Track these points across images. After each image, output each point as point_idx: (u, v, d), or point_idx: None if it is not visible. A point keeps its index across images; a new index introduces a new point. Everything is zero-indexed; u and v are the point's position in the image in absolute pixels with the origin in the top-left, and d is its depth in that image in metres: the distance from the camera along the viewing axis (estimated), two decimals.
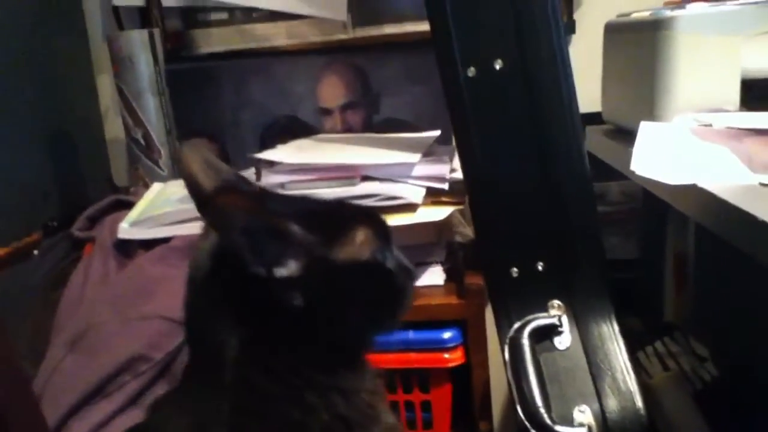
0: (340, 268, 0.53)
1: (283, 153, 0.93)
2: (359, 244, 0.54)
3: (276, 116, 1.49)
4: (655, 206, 1.07)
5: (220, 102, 1.49)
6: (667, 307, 1.07)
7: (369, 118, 1.43)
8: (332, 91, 1.45)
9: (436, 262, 0.93)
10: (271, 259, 0.50)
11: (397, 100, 1.43)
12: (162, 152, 1.29)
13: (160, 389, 0.87)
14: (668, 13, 0.86)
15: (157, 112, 1.29)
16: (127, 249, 0.98)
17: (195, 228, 0.96)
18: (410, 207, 0.86)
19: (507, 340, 0.82)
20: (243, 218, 0.48)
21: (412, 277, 0.60)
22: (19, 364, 0.78)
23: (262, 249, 0.49)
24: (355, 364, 0.58)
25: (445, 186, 0.88)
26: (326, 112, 1.45)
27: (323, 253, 0.52)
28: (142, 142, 1.28)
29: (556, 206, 0.82)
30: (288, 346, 0.53)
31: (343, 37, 1.40)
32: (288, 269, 0.50)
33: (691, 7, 0.87)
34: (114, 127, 1.52)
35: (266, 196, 0.62)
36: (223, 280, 0.53)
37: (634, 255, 1.16)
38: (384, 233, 0.57)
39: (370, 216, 0.57)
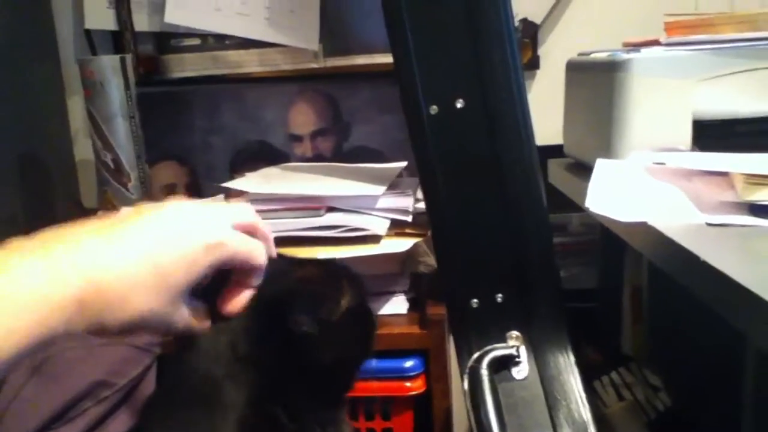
0: (341, 317, 0.61)
1: (251, 182, 0.94)
2: (348, 295, 0.62)
3: (246, 141, 1.50)
4: (613, 239, 1.10)
5: (191, 126, 1.50)
6: (624, 337, 1.10)
7: (339, 146, 1.45)
8: (303, 119, 1.47)
9: (400, 292, 0.95)
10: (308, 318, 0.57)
11: (367, 128, 1.46)
12: (131, 176, 1.30)
13: (122, 415, 0.87)
14: (624, 55, 0.89)
15: (127, 137, 1.30)
16: None
17: None
18: (374, 238, 0.88)
19: (467, 370, 0.84)
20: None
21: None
22: None
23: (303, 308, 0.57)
24: (343, 397, 0.65)
25: (409, 218, 0.90)
26: (297, 138, 1.47)
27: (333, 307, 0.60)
28: (112, 165, 1.29)
29: (514, 239, 0.85)
30: (299, 385, 0.58)
31: (314, 66, 1.43)
32: (312, 327, 0.57)
33: (647, 51, 0.90)
34: (83, 150, 1.52)
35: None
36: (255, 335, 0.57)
37: (593, 285, 1.19)
38: (361, 281, 0.66)
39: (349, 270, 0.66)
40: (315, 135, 1.45)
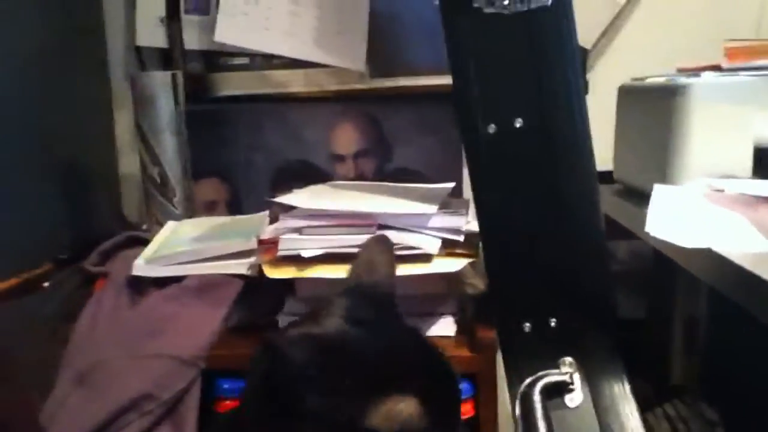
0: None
1: (299, 198, 0.94)
2: (396, 414, 0.51)
3: (289, 160, 1.51)
4: (665, 267, 1.08)
5: (235, 144, 1.51)
6: (674, 369, 1.07)
7: (381, 167, 1.45)
8: (346, 138, 1.47)
9: (448, 314, 0.94)
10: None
11: (409, 149, 1.46)
12: (177, 191, 1.30)
13: (165, 429, 0.86)
14: (684, 80, 0.88)
15: (175, 152, 1.31)
16: (140, 286, 0.98)
17: (208, 268, 0.98)
18: (425, 257, 0.87)
19: (518, 395, 0.82)
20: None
21: None
22: (28, 394, 0.78)
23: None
24: None
25: (461, 238, 0.89)
26: (339, 158, 1.47)
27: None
28: (158, 180, 1.30)
29: (571, 262, 0.83)
30: None
31: (359, 86, 1.43)
32: None
33: (707, 76, 0.89)
34: (128, 164, 1.53)
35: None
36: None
37: (641, 315, 1.17)
38: (439, 409, 0.53)
39: (428, 387, 0.54)
40: (358, 155, 1.46)
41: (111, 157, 1.55)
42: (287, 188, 1.09)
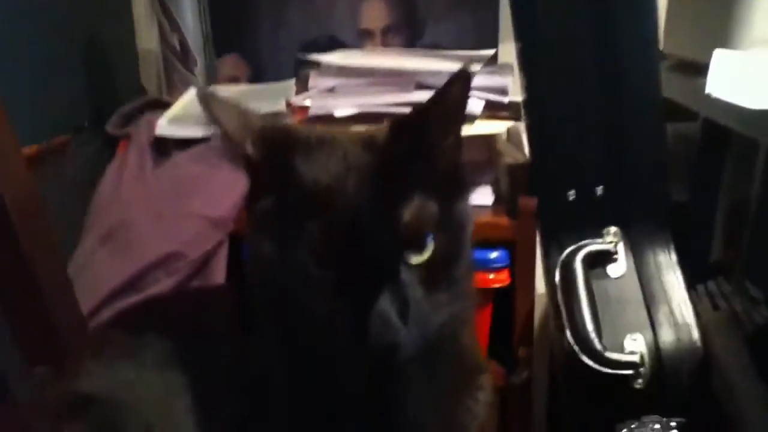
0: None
1: (332, 57, 0.88)
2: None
3: (314, 36, 1.43)
4: (713, 146, 1.02)
5: (258, 18, 1.43)
6: (717, 250, 1.04)
7: (411, 44, 1.37)
8: (375, 12, 1.38)
9: (486, 183, 0.89)
10: None
11: (442, 25, 1.37)
12: (198, 60, 1.24)
13: None
14: None
15: (195, 18, 1.24)
16: (163, 148, 0.94)
17: None
18: (468, 119, 0.82)
19: (559, 264, 0.79)
20: None
21: None
22: (58, 251, 0.75)
23: None
24: None
25: (506, 99, 0.84)
26: (367, 33, 1.39)
27: None
28: (178, 48, 1.24)
29: (622, 126, 0.78)
30: None
31: None
32: None
33: None
34: (147, 40, 1.47)
35: None
36: None
37: (683, 198, 1.12)
38: None
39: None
40: (387, 31, 1.37)
41: (129, 31, 1.48)
42: (312, 66, 1.02)
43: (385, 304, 0.42)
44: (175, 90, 1.24)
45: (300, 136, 0.47)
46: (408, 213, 0.43)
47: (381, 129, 0.47)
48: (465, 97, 0.45)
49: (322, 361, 0.45)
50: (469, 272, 0.49)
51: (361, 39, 1.40)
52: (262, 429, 0.48)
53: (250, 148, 0.45)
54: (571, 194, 0.80)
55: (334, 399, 0.47)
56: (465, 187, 0.49)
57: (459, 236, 0.47)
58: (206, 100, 0.46)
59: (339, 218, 0.43)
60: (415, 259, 0.44)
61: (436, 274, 0.44)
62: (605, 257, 0.79)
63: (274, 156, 0.45)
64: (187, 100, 1.05)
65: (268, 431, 0.48)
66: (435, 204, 0.45)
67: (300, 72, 0.97)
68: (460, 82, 0.43)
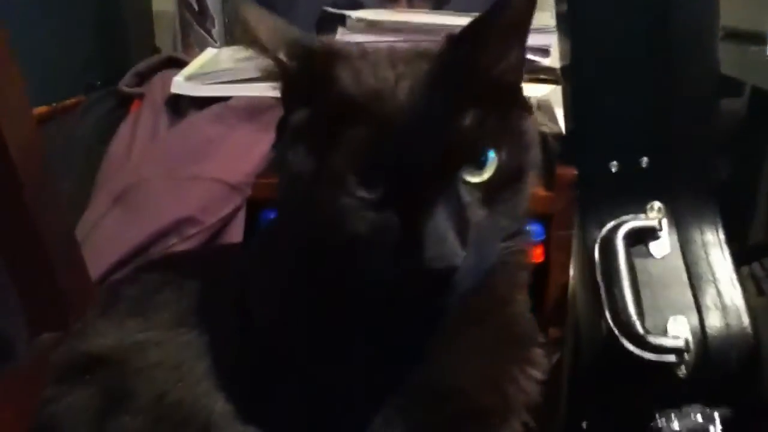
0: None
1: (359, 12, 0.82)
2: None
3: (336, 1, 1.37)
4: (759, 121, 0.97)
5: None
6: (756, 228, 0.99)
7: (438, 9, 1.31)
8: None
9: None
10: None
11: None
12: (216, 20, 1.19)
13: None
14: None
15: None
16: (179, 106, 0.89)
17: (256, 89, 0.89)
18: None
19: (598, 240, 0.74)
20: None
21: None
22: (65, 213, 0.71)
23: None
24: None
25: (547, 60, 0.78)
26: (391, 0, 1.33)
27: None
28: (195, 7, 1.18)
29: (671, 95, 0.72)
30: None
31: None
32: None
33: None
34: (162, 2, 1.42)
35: None
36: None
37: (724, 176, 1.06)
38: None
39: None
40: None
41: None
42: (333, 32, 0.97)
43: (442, 221, 0.37)
44: (191, 50, 1.19)
45: (340, 47, 0.42)
46: (467, 120, 0.38)
47: (434, 44, 0.42)
48: (531, 9, 0.39)
49: (358, 287, 0.40)
50: (526, 215, 0.43)
51: (384, 4, 1.34)
52: (285, 391, 0.43)
53: (283, 57, 0.40)
54: (613, 165, 0.75)
55: (363, 338, 0.42)
56: (528, 108, 0.43)
57: (523, 158, 0.41)
58: (240, 5, 0.42)
59: (388, 123, 0.38)
60: (474, 177, 0.39)
61: (496, 197, 0.39)
62: (648, 234, 0.74)
63: (311, 64, 0.40)
64: (206, 58, 1.00)
65: (290, 394, 0.43)
66: (496, 118, 0.39)
67: (323, 30, 0.91)
68: None
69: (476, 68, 0.40)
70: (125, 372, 0.45)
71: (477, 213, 0.38)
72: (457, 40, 0.40)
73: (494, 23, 0.39)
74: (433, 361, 0.42)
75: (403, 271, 0.37)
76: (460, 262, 0.36)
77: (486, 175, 0.39)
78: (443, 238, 0.36)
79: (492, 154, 0.39)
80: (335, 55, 0.41)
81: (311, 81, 0.40)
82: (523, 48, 0.42)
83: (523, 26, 0.40)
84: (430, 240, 0.36)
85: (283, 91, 0.42)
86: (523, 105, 0.43)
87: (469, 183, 0.39)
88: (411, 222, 0.37)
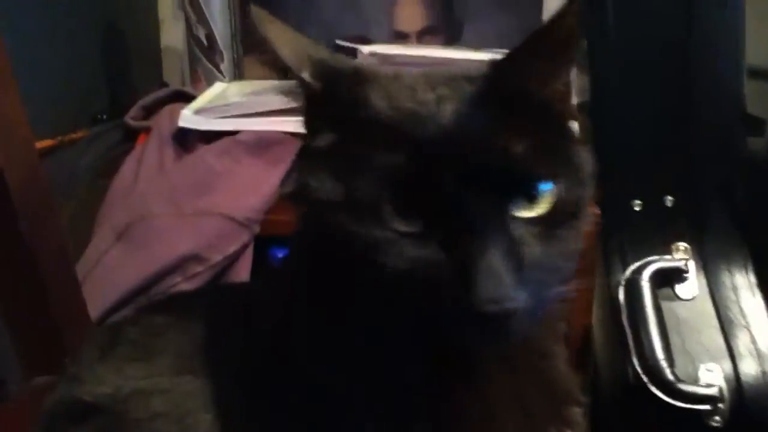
0: None
1: (370, 48, 0.81)
2: None
3: (346, 37, 1.36)
4: None
5: (286, 16, 1.36)
6: None
7: (448, 45, 1.30)
8: (410, 14, 1.32)
9: None
10: None
11: (481, 29, 1.30)
12: (224, 55, 1.18)
13: None
14: None
15: (223, 12, 1.17)
16: (186, 140, 0.87)
17: (264, 123, 0.87)
18: None
19: (623, 282, 0.71)
20: None
21: None
22: (65, 250, 0.68)
23: None
24: None
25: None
26: (402, 36, 1.32)
27: None
28: (205, 42, 1.17)
29: (698, 132, 0.70)
30: None
31: None
32: None
33: None
34: (171, 37, 1.41)
35: None
36: None
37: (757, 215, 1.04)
38: None
39: None
40: (423, 33, 1.30)
41: (153, 26, 1.43)
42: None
43: (496, 259, 0.33)
44: (199, 85, 1.17)
45: (370, 70, 0.39)
46: (518, 147, 0.35)
47: (474, 68, 0.39)
48: (577, 32, 0.36)
49: (395, 321, 0.36)
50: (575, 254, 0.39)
51: (395, 41, 1.33)
52: None
53: (308, 77, 0.37)
54: (637, 204, 0.72)
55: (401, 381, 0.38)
56: (580, 141, 0.40)
57: (580, 193, 0.38)
58: (259, 19, 0.39)
59: (429, 147, 0.34)
60: (526, 211, 0.35)
61: (552, 234, 0.36)
62: (674, 276, 0.71)
63: (339, 87, 0.37)
64: (214, 92, 0.98)
65: None
66: (549, 148, 0.36)
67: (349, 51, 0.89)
68: (572, 14, 0.35)
69: (525, 91, 0.37)
70: (124, 422, 0.41)
71: (533, 251, 0.35)
72: (504, 60, 0.37)
73: (544, 41, 0.36)
74: (465, 409, 0.39)
75: (454, 313, 0.33)
76: (518, 305, 0.33)
77: (540, 209, 0.36)
78: (499, 278, 0.33)
79: (549, 186, 0.36)
80: (366, 77, 0.38)
81: (339, 103, 0.37)
82: (569, 74, 0.39)
83: (571, 48, 0.37)
84: (484, 280, 0.32)
85: (306, 114, 0.40)
86: (574, 137, 0.40)
87: (520, 217, 0.35)
88: (459, 259, 0.33)
